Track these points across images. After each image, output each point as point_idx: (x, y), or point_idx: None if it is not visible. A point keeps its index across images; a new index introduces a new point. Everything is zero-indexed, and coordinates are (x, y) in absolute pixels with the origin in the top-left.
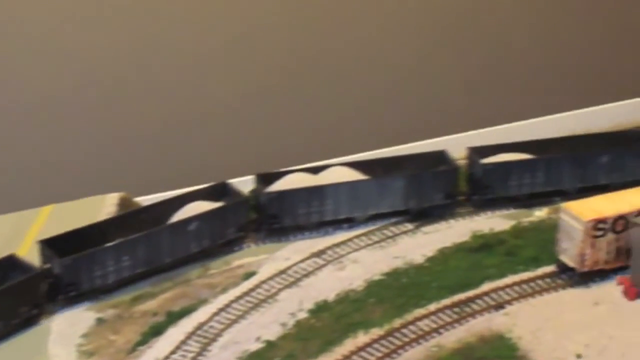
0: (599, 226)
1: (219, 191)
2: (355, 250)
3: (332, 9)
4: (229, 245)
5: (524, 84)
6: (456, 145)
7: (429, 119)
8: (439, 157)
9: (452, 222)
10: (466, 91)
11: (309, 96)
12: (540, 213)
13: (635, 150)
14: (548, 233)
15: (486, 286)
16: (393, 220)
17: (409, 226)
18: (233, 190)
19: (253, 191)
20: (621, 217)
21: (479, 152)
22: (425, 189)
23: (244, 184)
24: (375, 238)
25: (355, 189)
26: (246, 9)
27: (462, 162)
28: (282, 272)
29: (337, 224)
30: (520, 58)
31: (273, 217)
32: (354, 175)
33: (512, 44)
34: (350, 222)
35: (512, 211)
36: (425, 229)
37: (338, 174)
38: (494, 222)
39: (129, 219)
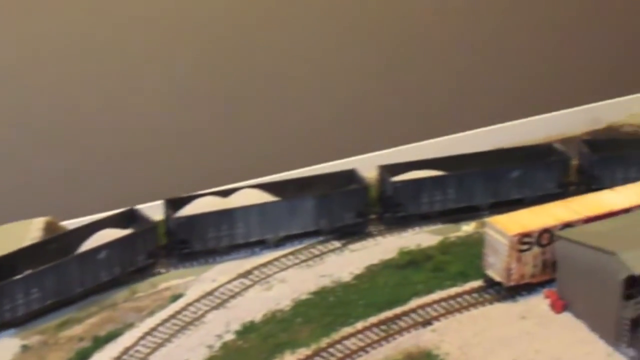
0: (524, 240)
1: (128, 218)
2: (283, 269)
3: (227, 35)
4: (140, 273)
5: (436, 101)
6: (369, 164)
7: (340, 139)
8: (350, 176)
9: (379, 239)
10: (378, 110)
11: (216, 119)
12: (467, 227)
13: (546, 164)
14: (475, 248)
15: (414, 302)
16: (320, 238)
17: (336, 244)
18: (142, 216)
19: (164, 216)
20: (546, 231)
21: (389, 170)
22: (336, 209)
23: (154, 209)
24: (302, 257)
25: (265, 211)
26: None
27: (373, 181)
28: (209, 293)
29: (249, 247)
30: (434, 75)
31: (183, 242)
32: (264, 198)
33: (425, 61)
34: (262, 245)
35: (439, 226)
36: (352, 246)
37: (248, 196)
38: (422, 237)
39: (40, 249)
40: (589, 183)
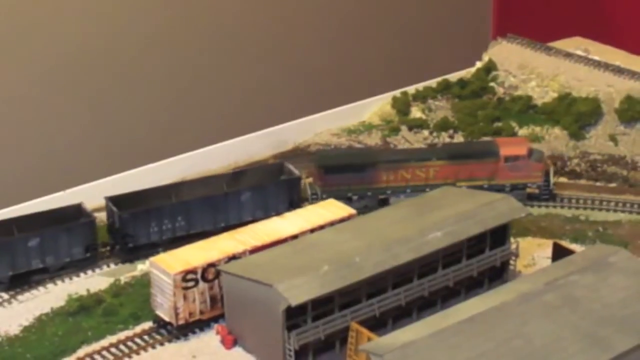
0: (188, 277)
1: None
2: None
3: None
4: None
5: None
6: None
7: None
8: None
9: (50, 286)
10: None
11: None
12: (143, 266)
13: (66, 229)
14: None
15: (82, 351)
16: None
17: (5, 296)
18: None
19: None
20: (211, 265)
21: None
22: None
23: None
24: None
25: None
26: None
27: None
28: None
29: None
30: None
31: None
32: None
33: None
34: None
35: (113, 267)
36: (21, 297)
37: None
38: (93, 281)
39: None
40: (124, 242)
